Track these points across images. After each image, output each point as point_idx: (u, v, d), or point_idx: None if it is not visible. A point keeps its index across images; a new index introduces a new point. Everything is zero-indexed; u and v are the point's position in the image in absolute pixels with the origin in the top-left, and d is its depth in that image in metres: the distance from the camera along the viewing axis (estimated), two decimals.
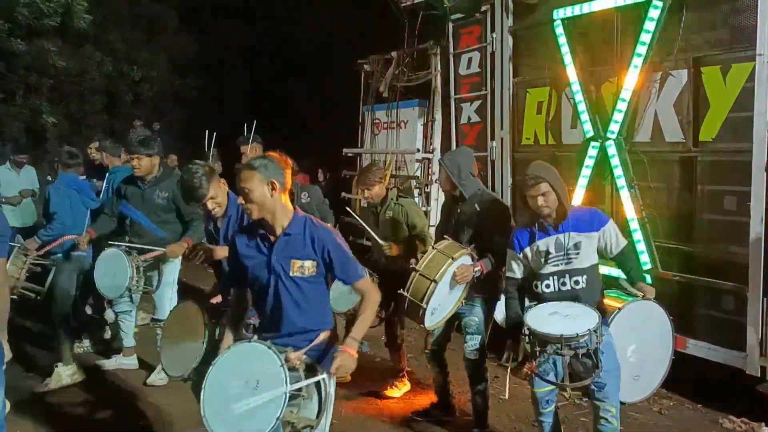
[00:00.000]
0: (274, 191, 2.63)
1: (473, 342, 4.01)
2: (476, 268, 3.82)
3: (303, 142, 11.31)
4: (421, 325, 3.95)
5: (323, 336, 2.80)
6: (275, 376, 2.42)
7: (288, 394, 2.41)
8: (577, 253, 3.35)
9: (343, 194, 8.07)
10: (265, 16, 14.90)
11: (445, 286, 3.78)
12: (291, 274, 2.68)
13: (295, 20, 13.77)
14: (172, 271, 4.86)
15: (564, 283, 3.40)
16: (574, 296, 3.36)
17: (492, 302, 4.11)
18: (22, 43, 11.97)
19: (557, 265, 3.43)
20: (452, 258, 3.76)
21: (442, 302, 3.87)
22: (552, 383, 3.37)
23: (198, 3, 15.46)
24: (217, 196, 3.45)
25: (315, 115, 13.10)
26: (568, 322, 3.22)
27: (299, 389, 2.52)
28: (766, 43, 4.14)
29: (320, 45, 12.94)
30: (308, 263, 2.68)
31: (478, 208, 3.98)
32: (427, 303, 3.72)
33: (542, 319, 3.30)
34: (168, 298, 4.82)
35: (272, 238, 2.72)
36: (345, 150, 8.49)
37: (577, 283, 3.37)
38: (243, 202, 2.66)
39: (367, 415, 4.51)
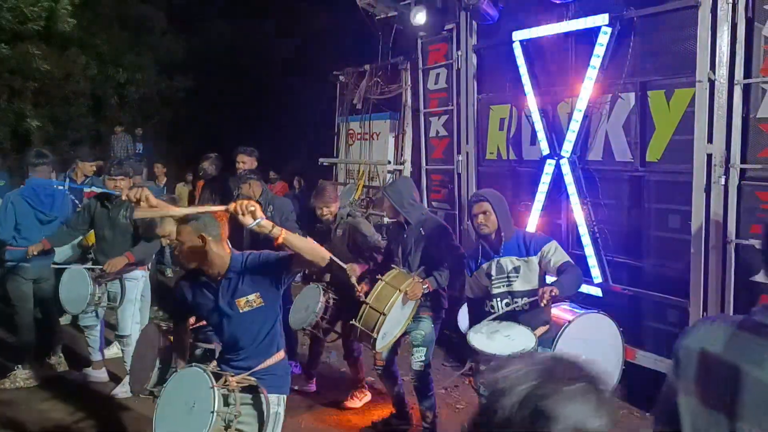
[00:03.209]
0: (205, 243, 2.76)
1: (419, 354, 4.22)
2: (424, 286, 4.03)
3: (282, 148, 11.46)
4: (372, 350, 4.17)
5: (274, 359, 2.98)
6: (206, 398, 2.61)
7: (215, 414, 2.57)
8: (517, 276, 3.58)
9: None
10: (248, 23, 15.01)
11: (393, 315, 3.99)
12: (241, 311, 2.86)
13: (276, 28, 13.92)
14: (134, 288, 4.98)
15: (507, 304, 3.62)
16: (515, 317, 3.56)
17: (438, 320, 4.32)
18: (5, 48, 12.03)
19: (499, 287, 3.66)
20: (399, 290, 3.98)
21: (391, 327, 4.09)
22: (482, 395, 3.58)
23: (185, 3, 15.52)
24: (171, 233, 3.66)
25: (293, 123, 13.26)
26: (506, 343, 3.42)
27: (231, 410, 2.68)
28: (705, 70, 4.34)
29: (300, 53, 13.10)
30: (252, 296, 2.83)
31: (423, 233, 4.21)
32: (377, 333, 3.93)
33: (483, 337, 3.50)
34: (130, 315, 4.95)
35: (214, 284, 2.89)
36: (321, 159, 8.67)
37: (518, 304, 3.58)
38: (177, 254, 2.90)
39: (327, 426, 4.67)
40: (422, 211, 4.33)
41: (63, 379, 5.32)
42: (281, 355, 3.02)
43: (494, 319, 3.68)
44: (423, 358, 4.22)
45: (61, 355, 5.52)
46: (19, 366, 5.12)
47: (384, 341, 4.09)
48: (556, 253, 3.60)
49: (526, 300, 3.57)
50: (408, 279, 4.04)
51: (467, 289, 3.89)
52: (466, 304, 6.06)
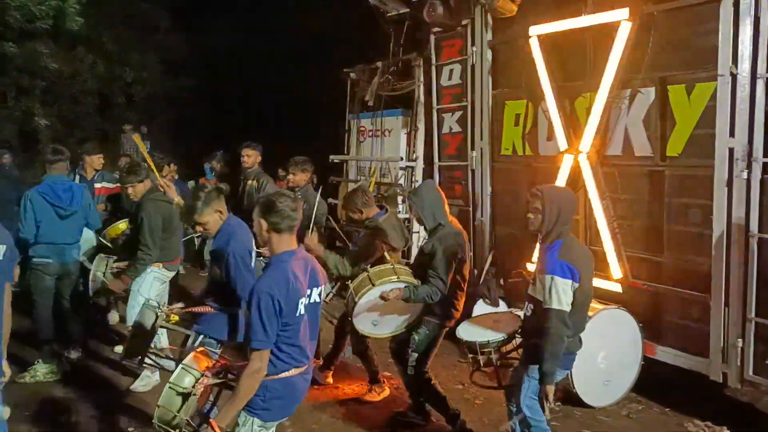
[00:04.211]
0: (263, 229, 2.77)
1: (411, 358, 4.27)
2: (403, 295, 4.06)
3: (292, 146, 11.41)
4: (350, 318, 4.28)
5: None
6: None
7: None
8: (534, 281, 3.47)
9: (330, 200, 8.23)
10: (256, 21, 15.01)
11: (382, 293, 4.10)
12: None
13: (284, 26, 13.89)
14: (138, 282, 4.98)
15: (527, 307, 3.56)
16: (526, 321, 3.52)
17: (441, 327, 4.31)
18: (14, 46, 12.03)
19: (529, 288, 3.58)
20: (397, 276, 4.11)
21: (384, 319, 4.22)
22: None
23: (190, 2, 15.52)
24: (207, 223, 3.64)
25: (303, 121, 13.25)
26: (483, 331, 3.57)
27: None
28: (727, 64, 4.33)
29: (309, 51, 13.09)
30: None
31: (433, 244, 4.19)
32: (359, 299, 4.06)
33: (469, 327, 3.70)
34: (133, 307, 4.93)
35: None
36: (332, 156, 8.65)
37: (525, 307, 3.53)
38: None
39: (346, 421, 4.66)
40: (443, 222, 4.25)
41: (82, 373, 5.33)
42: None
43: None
44: (413, 363, 4.27)
45: (80, 350, 5.52)
46: (39, 360, 5.15)
47: (372, 329, 4.28)
48: (545, 290, 3.28)
49: (530, 306, 3.49)
50: (410, 276, 4.16)
51: None
52: (481, 300, 6.12)
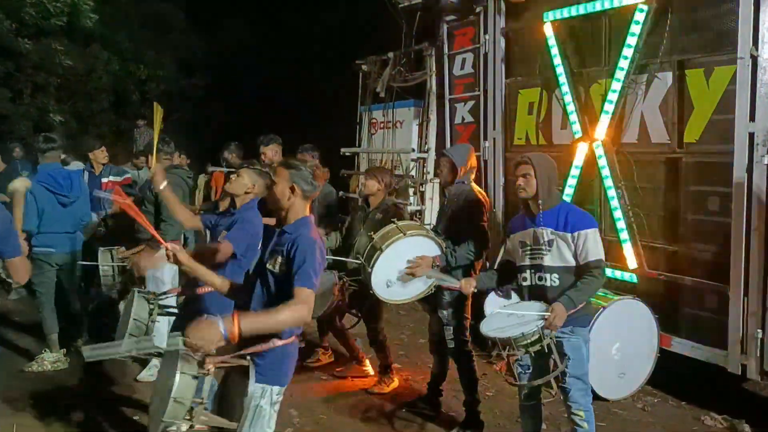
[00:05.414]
0: (294, 194, 2.76)
1: (447, 332, 4.23)
2: (436, 263, 3.95)
3: (303, 140, 11.40)
4: (369, 270, 3.98)
5: (269, 344, 2.67)
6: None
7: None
8: (549, 251, 3.37)
9: (341, 193, 8.16)
10: (267, 17, 15.02)
11: (402, 250, 3.93)
12: (268, 265, 2.75)
13: (295, 21, 13.90)
14: (160, 270, 4.87)
15: (541, 278, 3.43)
16: (543, 294, 3.38)
17: (462, 294, 4.16)
18: (29, 43, 12.15)
19: (534, 258, 3.46)
20: (426, 231, 4.08)
21: (401, 282, 3.98)
22: (515, 384, 3.50)
23: (204, 2, 15.60)
24: (243, 178, 3.65)
25: (314, 114, 13.23)
26: (516, 324, 3.27)
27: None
28: (747, 46, 4.21)
29: (320, 45, 13.07)
30: (281, 258, 2.70)
31: (458, 203, 4.17)
32: (387, 248, 3.88)
33: (494, 322, 3.38)
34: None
35: (277, 230, 2.86)
36: (343, 149, 8.59)
37: (546, 280, 3.39)
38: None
39: (354, 412, 4.60)
40: (466, 181, 4.23)
41: (89, 363, 5.26)
42: (278, 342, 2.67)
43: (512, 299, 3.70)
44: (452, 335, 4.22)
45: (88, 339, 5.50)
46: (46, 350, 5.15)
47: (389, 292, 4.00)
48: (589, 245, 3.30)
49: (555, 276, 3.37)
50: (435, 237, 4.07)
51: (501, 252, 3.85)
52: (492, 293, 6.01)
